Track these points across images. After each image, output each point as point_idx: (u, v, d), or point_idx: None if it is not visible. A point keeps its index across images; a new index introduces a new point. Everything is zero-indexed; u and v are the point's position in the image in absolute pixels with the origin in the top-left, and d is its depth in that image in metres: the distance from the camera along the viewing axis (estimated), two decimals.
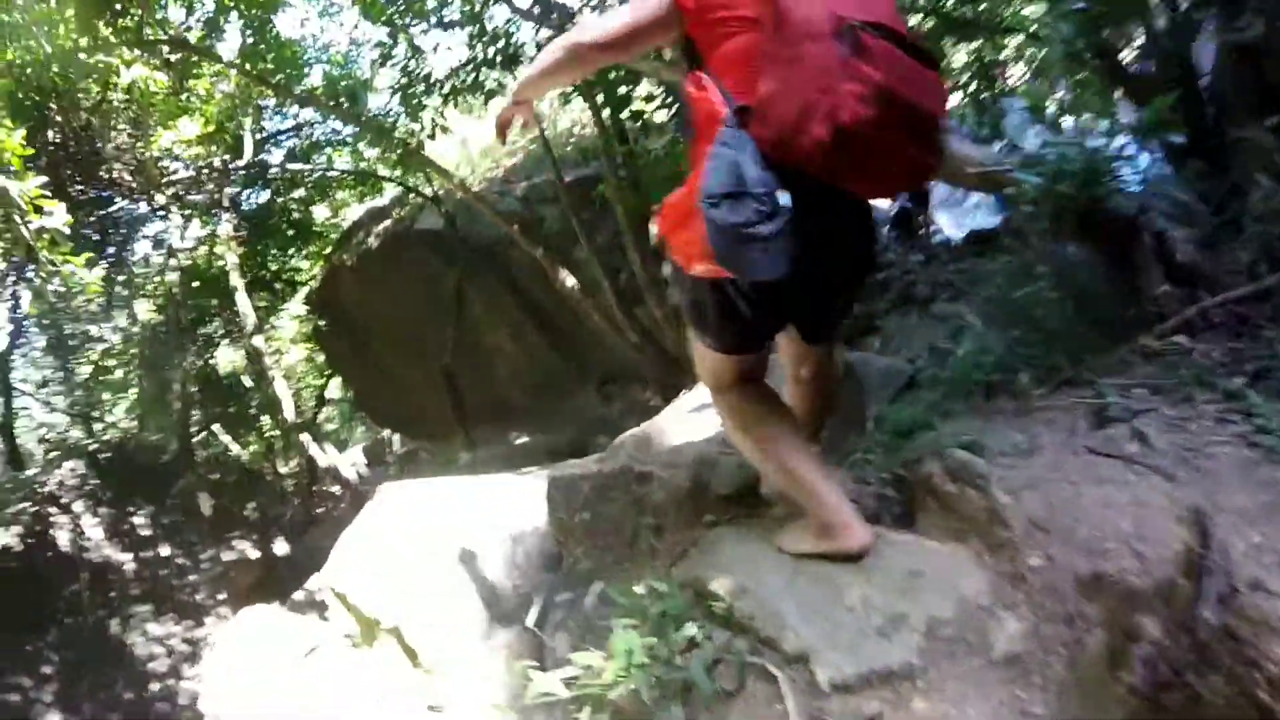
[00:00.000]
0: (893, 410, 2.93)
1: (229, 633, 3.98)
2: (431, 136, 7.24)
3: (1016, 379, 2.51)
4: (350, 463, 19.73)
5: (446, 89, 6.29)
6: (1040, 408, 2.33)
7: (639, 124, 6.43)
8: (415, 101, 6.66)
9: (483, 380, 10.97)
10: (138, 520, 10.65)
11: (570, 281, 6.23)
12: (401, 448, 16.56)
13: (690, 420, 3.28)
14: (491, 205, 8.64)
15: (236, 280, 10.84)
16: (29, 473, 11.10)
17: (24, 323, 12.90)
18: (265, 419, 12.91)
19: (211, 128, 9.99)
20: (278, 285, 13.92)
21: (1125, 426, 2.02)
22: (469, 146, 12.63)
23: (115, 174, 10.51)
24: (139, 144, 10.45)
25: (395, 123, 8.55)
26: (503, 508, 3.48)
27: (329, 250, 12.73)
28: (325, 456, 11.39)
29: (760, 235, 1.64)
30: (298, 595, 4.26)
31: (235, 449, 12.71)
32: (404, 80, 7.30)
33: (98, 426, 14.71)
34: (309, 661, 3.63)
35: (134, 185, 10.83)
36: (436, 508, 3.70)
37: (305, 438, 11.15)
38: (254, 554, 11.79)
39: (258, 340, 10.99)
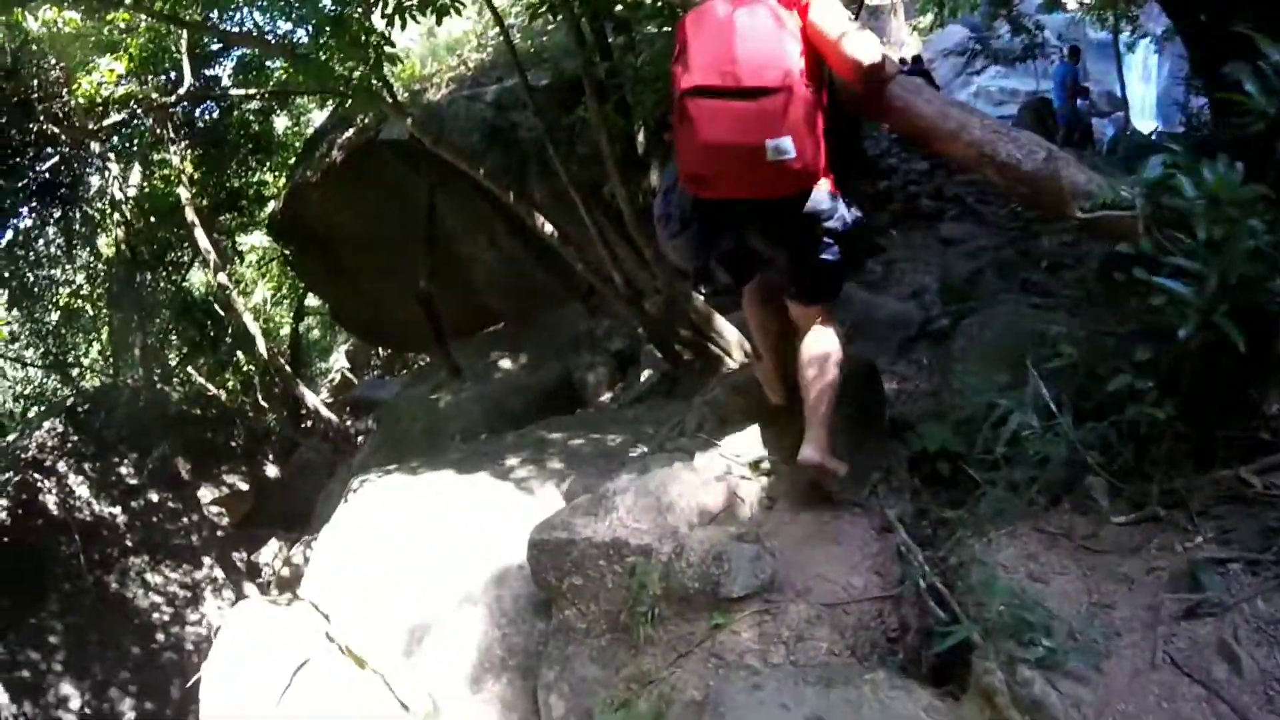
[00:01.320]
0: (926, 435, 2.93)
1: (219, 642, 3.57)
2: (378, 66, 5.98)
3: (1089, 487, 2.17)
4: (336, 367, 19.23)
5: (390, 7, 5.24)
6: (1117, 544, 2.02)
7: (625, 36, 5.49)
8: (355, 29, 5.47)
9: (462, 290, 10.42)
10: (124, 470, 10.15)
11: (549, 228, 5.35)
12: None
13: (696, 478, 2.74)
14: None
15: (191, 216, 9.92)
16: (9, 438, 10.61)
17: None
18: (240, 354, 12.09)
19: (134, 64, 8.89)
20: (243, 203, 12.89)
21: (1214, 627, 1.73)
22: (435, 37, 11.57)
23: (43, 126, 9.46)
24: (63, 92, 9.48)
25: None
26: (489, 528, 3.20)
27: (297, 159, 11.76)
28: (306, 395, 10.73)
29: (676, 244, 2.63)
30: (285, 601, 3.81)
31: (211, 389, 11.95)
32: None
33: (74, 372, 13.94)
34: (298, 683, 3.22)
35: (62, 137, 9.79)
36: (417, 527, 3.42)
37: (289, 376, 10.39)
38: (243, 485, 11.33)
39: (222, 277, 10.15)
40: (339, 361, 19.20)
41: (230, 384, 12.32)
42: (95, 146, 10.59)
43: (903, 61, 16.36)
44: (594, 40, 5.49)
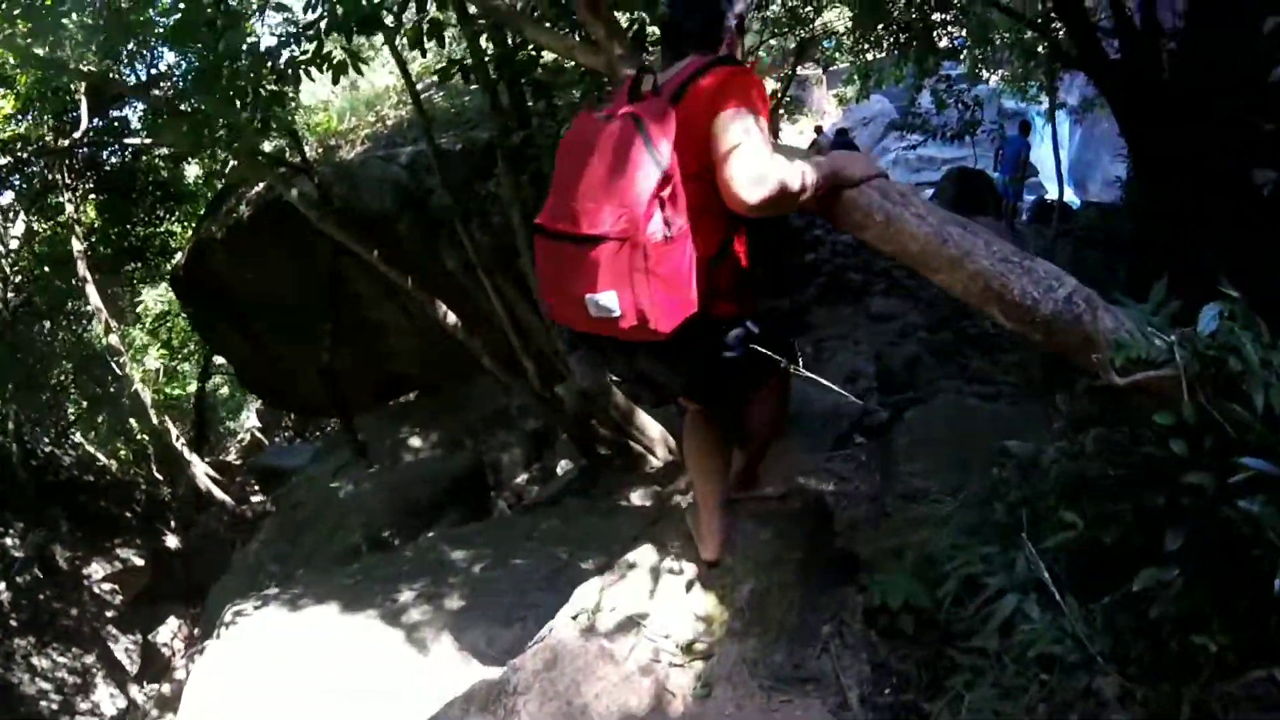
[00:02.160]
0: (886, 587, 2.35)
1: None
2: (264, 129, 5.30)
3: (1098, 691, 1.72)
4: (247, 426, 18.11)
5: (283, 59, 4.62)
6: None
7: (544, 101, 4.97)
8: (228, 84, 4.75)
9: (373, 357, 9.67)
10: (8, 541, 9.38)
11: (451, 319, 4.74)
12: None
13: (616, 672, 2.24)
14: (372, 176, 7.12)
15: (83, 270, 9.08)
16: None
17: None
18: (134, 421, 11.08)
19: (19, 104, 8.10)
20: (149, 254, 11.98)
21: None
22: (358, 90, 10.97)
23: None
24: None
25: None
26: (374, 692, 2.78)
27: (204, 213, 10.94)
28: (197, 475, 9.87)
29: (571, 362, 2.50)
30: None
31: (102, 458, 10.93)
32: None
33: None
34: None
35: None
36: (291, 685, 2.97)
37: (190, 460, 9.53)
38: (138, 560, 10.45)
39: (113, 339, 9.30)
40: (250, 420, 18.12)
41: (122, 453, 11.28)
42: None
43: (819, 130, 16.31)
44: (510, 106, 4.95)
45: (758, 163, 1.89)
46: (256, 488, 13.02)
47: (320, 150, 9.11)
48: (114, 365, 10.42)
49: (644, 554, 2.57)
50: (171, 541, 10.94)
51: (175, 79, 7.69)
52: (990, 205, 13.50)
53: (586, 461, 5.24)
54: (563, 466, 6.03)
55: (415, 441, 8.27)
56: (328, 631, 3.25)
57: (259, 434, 17.46)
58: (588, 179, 1.95)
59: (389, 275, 4.70)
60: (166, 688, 4.77)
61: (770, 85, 15.05)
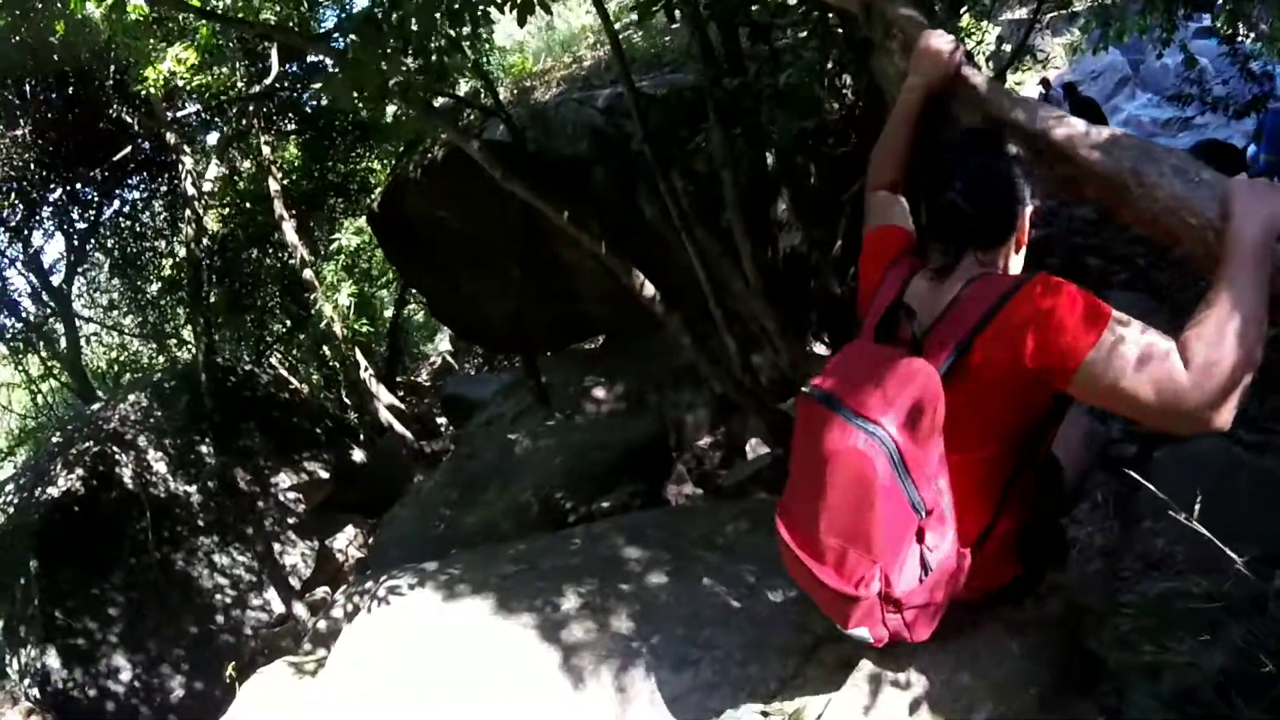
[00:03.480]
0: None
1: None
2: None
3: None
4: (440, 349, 18.63)
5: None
6: None
7: (763, 44, 4.30)
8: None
9: (563, 298, 9.39)
10: (203, 449, 9.80)
11: (649, 290, 4.18)
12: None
13: None
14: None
15: (279, 209, 9.22)
16: (94, 407, 10.38)
17: (87, 245, 11.66)
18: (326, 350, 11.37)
19: (198, 56, 8.18)
20: (351, 188, 12.20)
21: None
22: (553, 32, 10.58)
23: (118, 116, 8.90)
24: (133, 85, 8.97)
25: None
26: None
27: (401, 151, 10.91)
28: (381, 410, 9.98)
29: None
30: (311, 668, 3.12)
31: (294, 382, 11.31)
32: None
33: (171, 343, 13.58)
34: None
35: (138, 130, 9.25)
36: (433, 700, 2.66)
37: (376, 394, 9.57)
38: (323, 473, 10.83)
39: (308, 274, 9.43)
40: (443, 344, 18.54)
41: (315, 378, 11.67)
42: (171, 138, 9.98)
43: (1046, 84, 14.40)
44: (722, 49, 4.32)
45: (1195, 377, 1.39)
46: (441, 416, 13.27)
47: (515, 92, 8.77)
48: (309, 299, 10.65)
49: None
50: (357, 456, 11.19)
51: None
52: None
53: (780, 449, 4.68)
54: (753, 447, 5.49)
55: (599, 392, 7.92)
56: (480, 634, 2.93)
57: (450, 358, 17.92)
58: (825, 502, 1.62)
59: (580, 239, 4.18)
60: (322, 624, 4.70)
61: (992, 32, 13.49)
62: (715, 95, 3.96)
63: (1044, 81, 15.15)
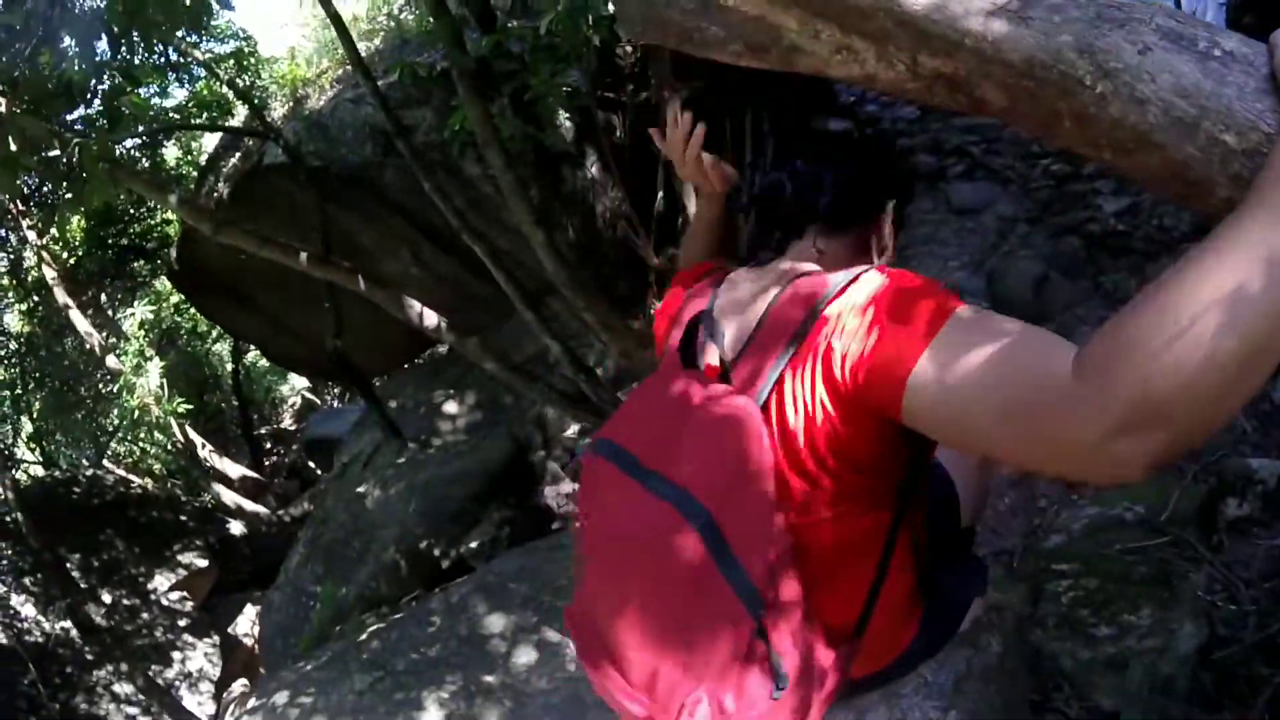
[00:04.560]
0: None
1: None
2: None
3: None
4: (297, 389, 17.31)
5: None
6: None
7: None
8: None
9: (390, 317, 8.51)
10: (73, 574, 8.69)
11: (430, 319, 3.40)
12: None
13: None
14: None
15: (62, 297, 8.06)
16: None
17: None
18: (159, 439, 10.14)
19: None
20: (149, 245, 10.90)
21: None
22: (327, 30, 9.57)
23: None
24: None
25: None
26: None
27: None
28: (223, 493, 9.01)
29: None
30: None
31: (135, 480, 10.08)
32: None
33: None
34: None
35: None
36: None
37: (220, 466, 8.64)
38: (202, 561, 9.86)
39: (111, 360, 8.30)
40: (301, 381, 17.22)
41: (156, 468, 10.46)
42: None
43: None
44: (466, 6, 3.60)
45: (1080, 389, 0.74)
46: (310, 463, 12.27)
47: (290, 104, 7.82)
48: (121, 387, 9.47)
49: None
50: (234, 528, 10.21)
51: None
52: None
53: None
54: None
55: (450, 407, 7.22)
56: None
57: (310, 394, 16.68)
58: (624, 600, 1.07)
59: (329, 277, 3.36)
60: None
61: None
62: (457, 59, 3.21)
63: None
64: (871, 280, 1.04)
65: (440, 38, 3.02)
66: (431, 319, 3.12)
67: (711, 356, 1.16)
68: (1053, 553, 2.50)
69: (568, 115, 4.06)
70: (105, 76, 3.69)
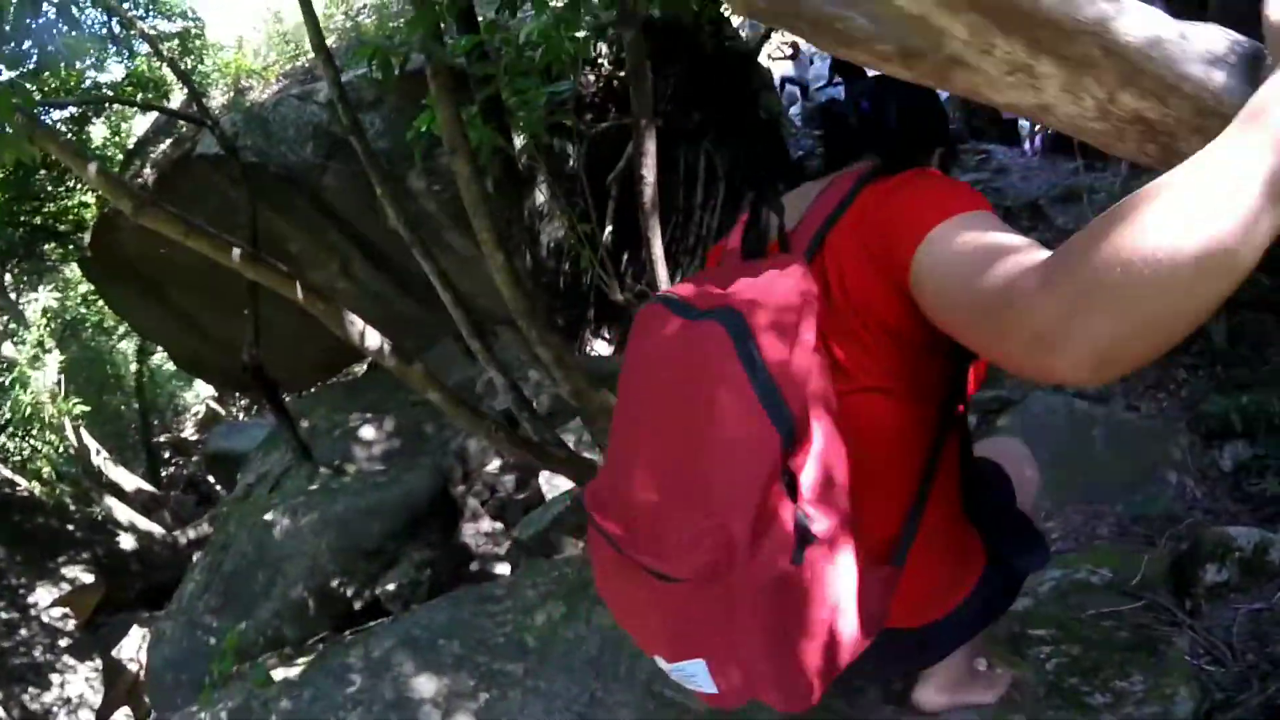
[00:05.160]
0: None
1: None
2: None
3: None
4: (202, 397, 16.33)
5: None
6: None
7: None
8: None
9: (316, 326, 8.00)
10: None
11: (373, 340, 2.88)
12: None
13: None
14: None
15: None
16: None
17: None
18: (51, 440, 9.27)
19: None
20: (61, 228, 10.12)
21: None
22: (280, 22, 9.15)
23: None
24: None
25: None
26: None
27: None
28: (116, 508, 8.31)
29: None
30: None
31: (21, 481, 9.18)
32: None
33: None
34: None
35: None
36: None
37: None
38: (87, 576, 9.00)
39: (8, 348, 7.57)
40: (206, 389, 16.28)
41: (44, 472, 9.59)
42: None
43: None
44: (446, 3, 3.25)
45: (1064, 284, 0.72)
46: (210, 478, 11.50)
47: (230, 95, 7.34)
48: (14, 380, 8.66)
49: None
50: (125, 542, 9.40)
51: None
52: None
53: (579, 486, 3.75)
54: (548, 480, 4.53)
55: (368, 432, 6.74)
56: None
57: (215, 404, 15.78)
58: (642, 431, 1.04)
59: (262, 279, 2.89)
60: None
61: None
62: (435, 52, 2.85)
63: None
64: (915, 171, 1.13)
65: (418, 27, 2.66)
66: (374, 340, 2.73)
67: (772, 239, 1.17)
68: (1025, 617, 2.40)
69: (529, 136, 3.74)
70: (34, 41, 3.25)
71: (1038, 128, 10.86)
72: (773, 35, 9.17)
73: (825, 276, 1.09)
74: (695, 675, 0.97)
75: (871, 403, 1.09)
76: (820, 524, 0.91)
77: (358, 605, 4.52)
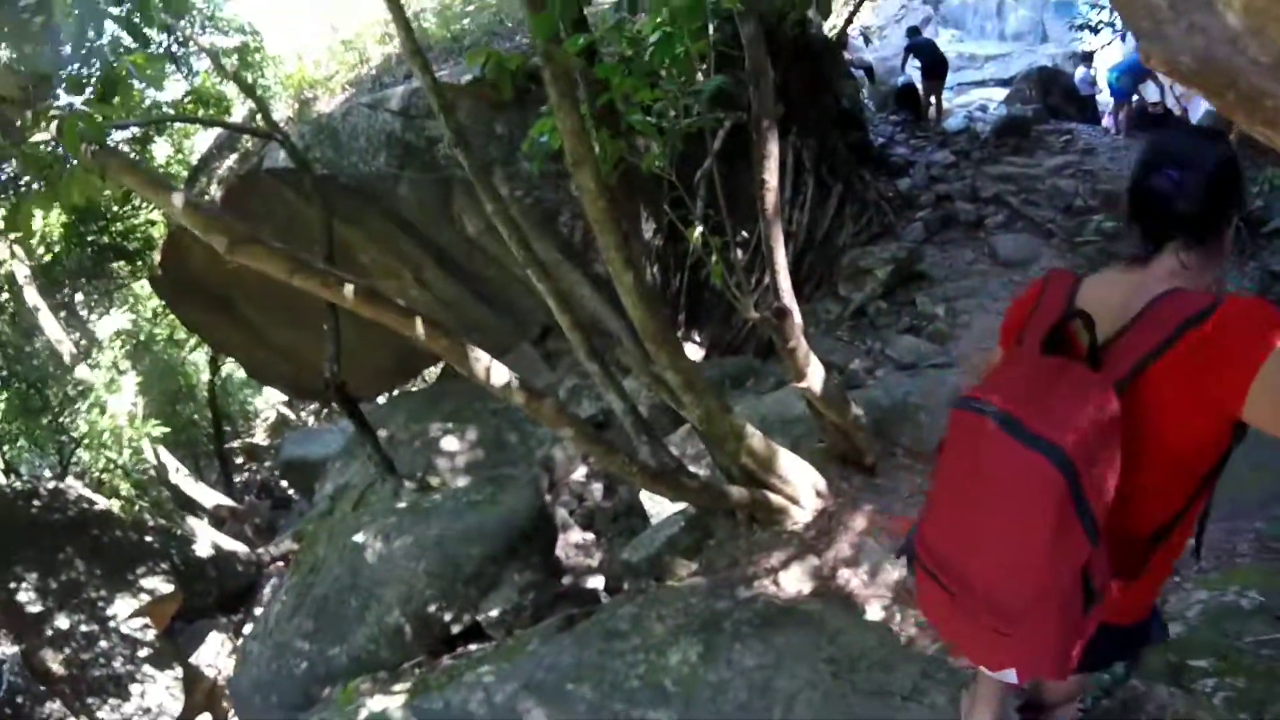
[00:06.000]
0: None
1: None
2: None
3: None
4: (272, 403, 16.32)
5: None
6: None
7: None
8: None
9: (386, 336, 7.84)
10: (23, 598, 7.75)
11: (500, 376, 2.61)
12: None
13: None
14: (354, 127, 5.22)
15: (33, 298, 7.29)
16: None
17: None
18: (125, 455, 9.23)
19: None
20: (130, 247, 10.12)
21: None
22: (336, 31, 9.02)
23: None
24: None
25: None
26: None
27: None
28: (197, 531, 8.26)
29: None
30: None
31: (99, 500, 9.16)
32: None
33: None
34: None
35: None
36: None
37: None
38: (166, 586, 8.98)
39: (82, 370, 7.52)
40: (276, 395, 16.31)
41: (124, 489, 9.58)
42: None
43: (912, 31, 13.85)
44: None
45: None
46: (285, 483, 11.48)
47: (296, 107, 7.20)
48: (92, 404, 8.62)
49: None
50: (200, 549, 9.37)
51: None
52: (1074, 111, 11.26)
53: (691, 506, 3.49)
54: (651, 499, 4.26)
55: (450, 443, 6.55)
56: None
57: (285, 409, 15.81)
58: (986, 527, 1.37)
59: (382, 318, 2.60)
60: None
61: None
62: (556, 56, 2.55)
63: (911, 30, 14.44)
64: (1233, 305, 1.24)
65: (538, 31, 2.39)
66: (501, 376, 2.50)
67: (1079, 344, 1.33)
68: (1182, 645, 2.29)
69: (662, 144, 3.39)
70: (99, 62, 3.08)
71: (1120, 105, 10.41)
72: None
73: (1138, 405, 1.28)
74: (1007, 675, 1.39)
75: (1135, 489, 1.32)
76: (1098, 580, 1.28)
77: (455, 629, 4.34)
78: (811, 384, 3.07)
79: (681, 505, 3.72)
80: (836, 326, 5.92)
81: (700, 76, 3.05)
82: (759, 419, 3.99)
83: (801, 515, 3.30)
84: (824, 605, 2.92)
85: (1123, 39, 10.28)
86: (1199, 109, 9.09)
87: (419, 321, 2.40)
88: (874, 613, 2.93)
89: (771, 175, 2.97)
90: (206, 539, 9.02)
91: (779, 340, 2.91)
